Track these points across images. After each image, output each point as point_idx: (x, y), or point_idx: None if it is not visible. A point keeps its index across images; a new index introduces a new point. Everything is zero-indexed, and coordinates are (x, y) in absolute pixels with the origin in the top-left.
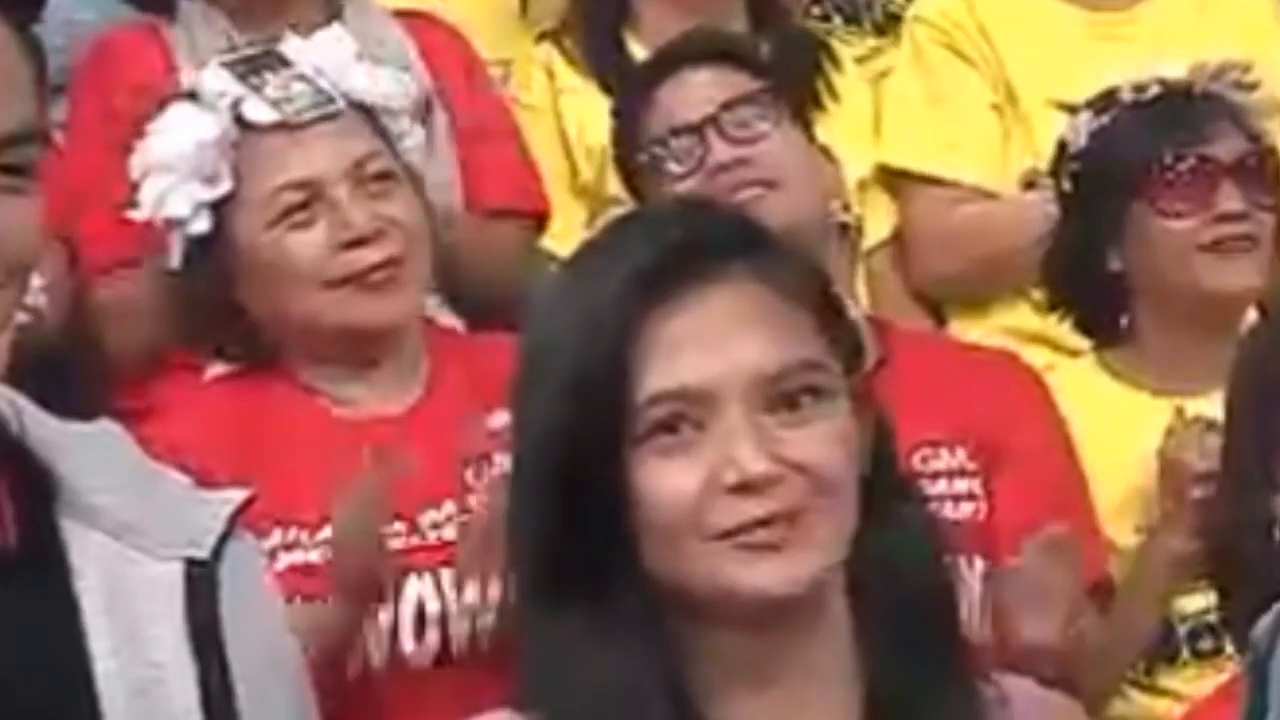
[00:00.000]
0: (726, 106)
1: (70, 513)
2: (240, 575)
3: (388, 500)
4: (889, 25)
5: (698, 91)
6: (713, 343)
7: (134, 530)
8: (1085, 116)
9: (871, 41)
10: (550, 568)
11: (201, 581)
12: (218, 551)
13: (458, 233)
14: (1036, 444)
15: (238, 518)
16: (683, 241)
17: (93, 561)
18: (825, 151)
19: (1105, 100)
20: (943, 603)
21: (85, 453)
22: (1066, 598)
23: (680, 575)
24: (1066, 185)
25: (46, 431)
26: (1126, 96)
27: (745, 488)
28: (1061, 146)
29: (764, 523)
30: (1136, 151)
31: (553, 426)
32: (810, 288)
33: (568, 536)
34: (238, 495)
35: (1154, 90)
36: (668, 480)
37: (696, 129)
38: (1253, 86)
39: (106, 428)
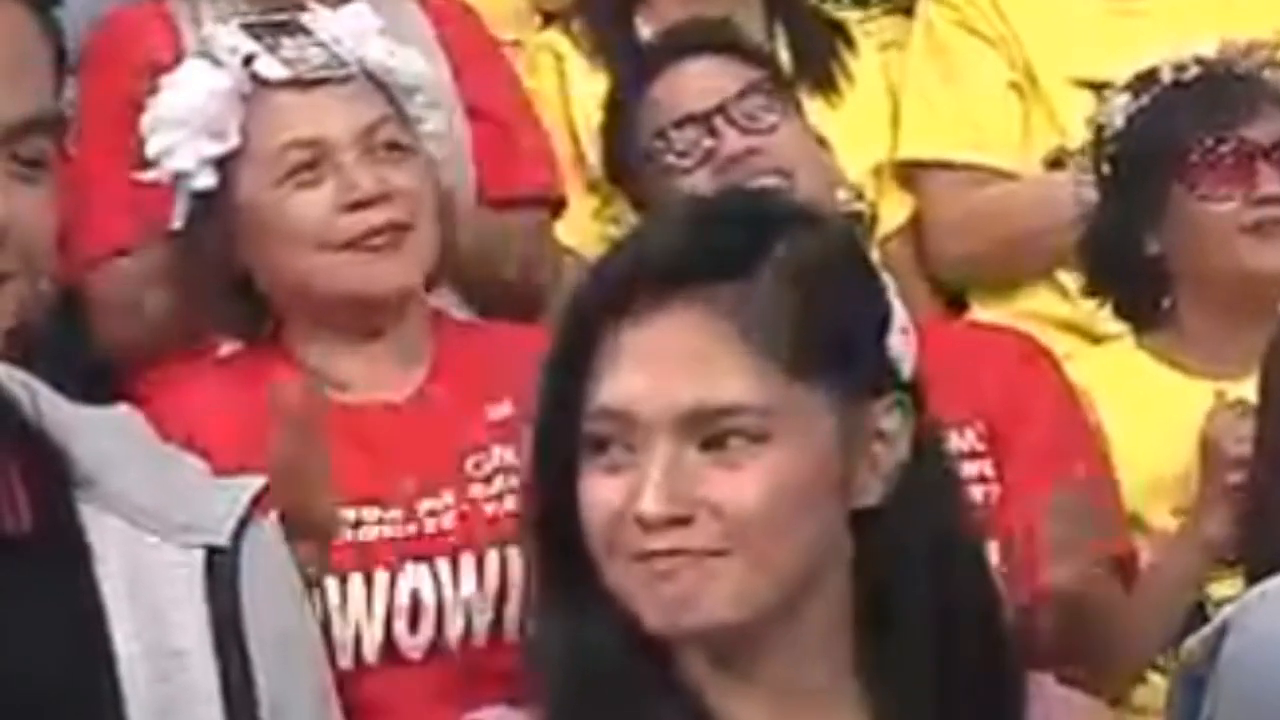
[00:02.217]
0: (737, 96)
1: (88, 498)
2: (260, 561)
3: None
4: None
5: (699, 81)
6: (654, 370)
7: (152, 515)
8: (1123, 98)
9: (857, 14)
10: (541, 543)
11: (222, 568)
12: (237, 538)
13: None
14: (1049, 422)
15: (257, 503)
16: (670, 251)
17: (112, 547)
18: (820, 140)
19: (1144, 81)
20: (990, 630)
21: (101, 437)
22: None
23: (615, 589)
24: (1104, 168)
25: (61, 415)
26: (1166, 77)
27: (643, 524)
28: (1098, 128)
29: (665, 554)
30: (1176, 134)
31: (536, 421)
32: (791, 327)
33: (550, 525)
34: (256, 481)
35: (1194, 71)
36: (598, 494)
37: (703, 119)
38: (1271, 63)
39: (121, 412)
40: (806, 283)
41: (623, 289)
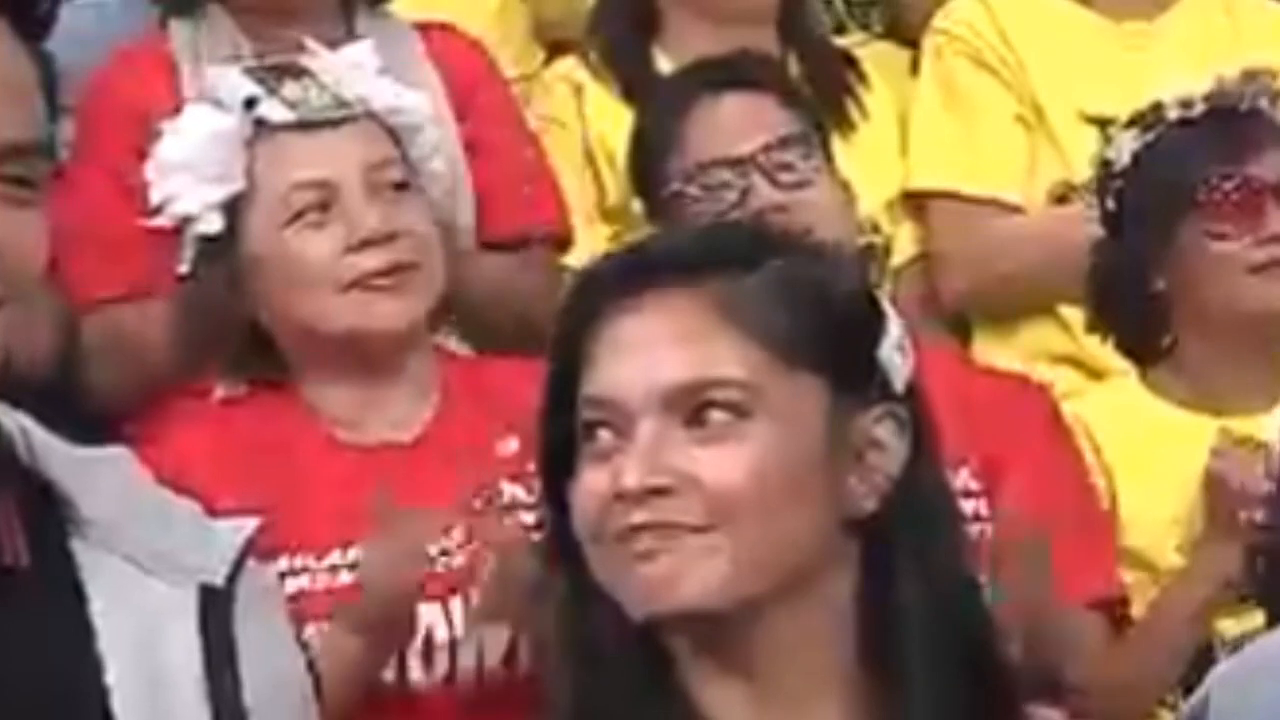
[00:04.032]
0: (772, 147)
1: (82, 537)
2: (253, 602)
3: (412, 535)
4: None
5: (735, 122)
6: (641, 354)
7: (146, 554)
8: (1129, 134)
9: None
10: (550, 542)
11: (216, 609)
12: (232, 579)
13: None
14: (1041, 464)
15: (251, 545)
16: (668, 247)
17: (106, 586)
18: (844, 185)
19: (1150, 117)
20: (983, 650)
21: (96, 478)
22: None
23: (601, 579)
24: (1110, 204)
25: (56, 456)
26: (1172, 113)
27: (622, 497)
28: (1105, 164)
29: (647, 530)
30: (1183, 171)
31: (539, 419)
32: (780, 319)
33: (552, 521)
34: (249, 524)
35: (1200, 108)
36: (587, 481)
37: (736, 165)
38: (1278, 95)
39: (117, 453)
40: (797, 288)
41: (618, 281)
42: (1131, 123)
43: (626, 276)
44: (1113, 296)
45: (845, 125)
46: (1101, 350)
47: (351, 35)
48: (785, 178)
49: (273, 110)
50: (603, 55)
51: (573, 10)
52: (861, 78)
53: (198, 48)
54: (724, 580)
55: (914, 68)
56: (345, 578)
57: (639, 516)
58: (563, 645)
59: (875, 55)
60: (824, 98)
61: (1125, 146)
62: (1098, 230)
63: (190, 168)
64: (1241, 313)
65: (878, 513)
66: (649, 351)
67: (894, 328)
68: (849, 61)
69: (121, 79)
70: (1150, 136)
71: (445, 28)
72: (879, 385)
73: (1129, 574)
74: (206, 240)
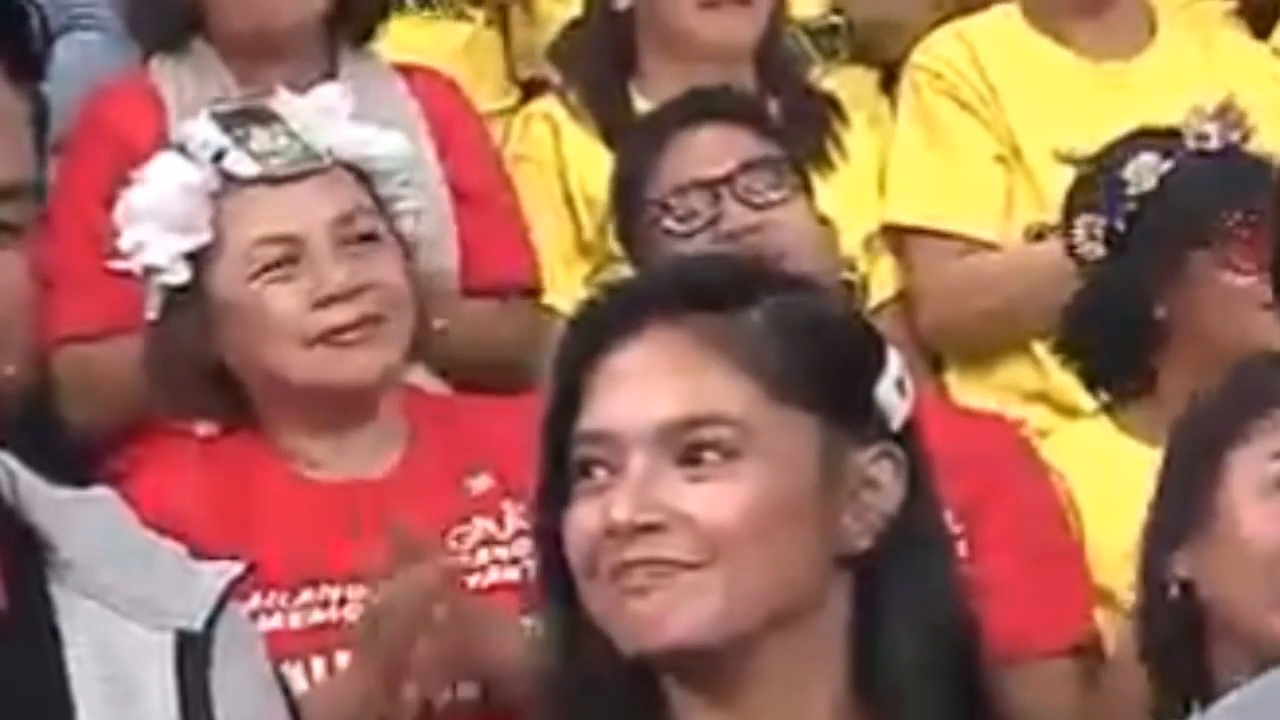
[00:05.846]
0: (744, 169)
1: (61, 580)
2: (233, 646)
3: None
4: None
5: (709, 148)
6: (635, 387)
7: (127, 600)
8: (1152, 158)
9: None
10: (543, 578)
11: (193, 653)
12: (211, 623)
13: (451, 304)
14: (1019, 505)
15: (232, 590)
16: (659, 283)
17: (83, 630)
18: (823, 219)
19: (1170, 143)
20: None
21: (79, 521)
22: None
23: (595, 615)
24: (1119, 224)
25: (39, 498)
26: (1190, 143)
27: (612, 533)
28: (1120, 184)
29: (639, 566)
30: (1210, 201)
31: (538, 463)
32: (775, 356)
33: (549, 563)
34: (234, 568)
35: (1216, 142)
36: (579, 519)
37: (709, 187)
38: (1249, 132)
39: (101, 495)
40: (794, 325)
41: (614, 316)
42: (1147, 145)
43: (623, 311)
44: (1105, 319)
45: (824, 165)
46: (1072, 387)
47: (335, 76)
48: (756, 199)
49: (239, 164)
50: (582, 96)
51: (531, 49)
52: (842, 118)
53: (182, 84)
54: (715, 616)
55: (883, 88)
56: (317, 616)
57: (631, 553)
58: (554, 681)
59: (844, 80)
60: (802, 136)
61: (1148, 169)
62: (1096, 250)
63: (157, 217)
64: (1247, 347)
65: (871, 549)
66: (643, 383)
67: (894, 366)
68: (829, 102)
69: (108, 113)
70: (1171, 162)
71: (425, 70)
72: (876, 424)
73: (1096, 610)
74: (173, 290)
